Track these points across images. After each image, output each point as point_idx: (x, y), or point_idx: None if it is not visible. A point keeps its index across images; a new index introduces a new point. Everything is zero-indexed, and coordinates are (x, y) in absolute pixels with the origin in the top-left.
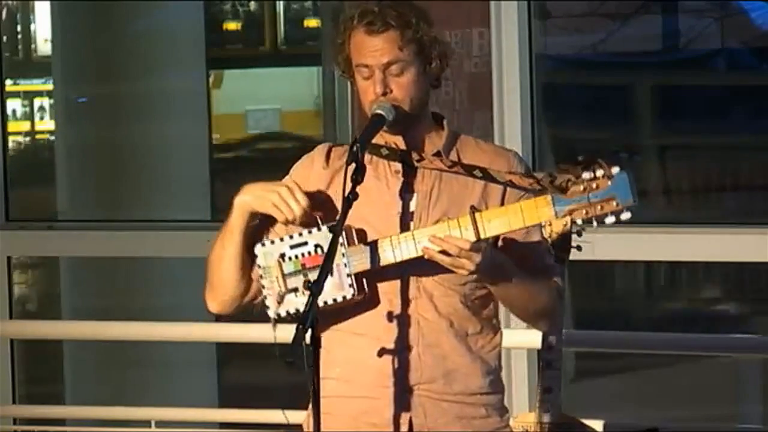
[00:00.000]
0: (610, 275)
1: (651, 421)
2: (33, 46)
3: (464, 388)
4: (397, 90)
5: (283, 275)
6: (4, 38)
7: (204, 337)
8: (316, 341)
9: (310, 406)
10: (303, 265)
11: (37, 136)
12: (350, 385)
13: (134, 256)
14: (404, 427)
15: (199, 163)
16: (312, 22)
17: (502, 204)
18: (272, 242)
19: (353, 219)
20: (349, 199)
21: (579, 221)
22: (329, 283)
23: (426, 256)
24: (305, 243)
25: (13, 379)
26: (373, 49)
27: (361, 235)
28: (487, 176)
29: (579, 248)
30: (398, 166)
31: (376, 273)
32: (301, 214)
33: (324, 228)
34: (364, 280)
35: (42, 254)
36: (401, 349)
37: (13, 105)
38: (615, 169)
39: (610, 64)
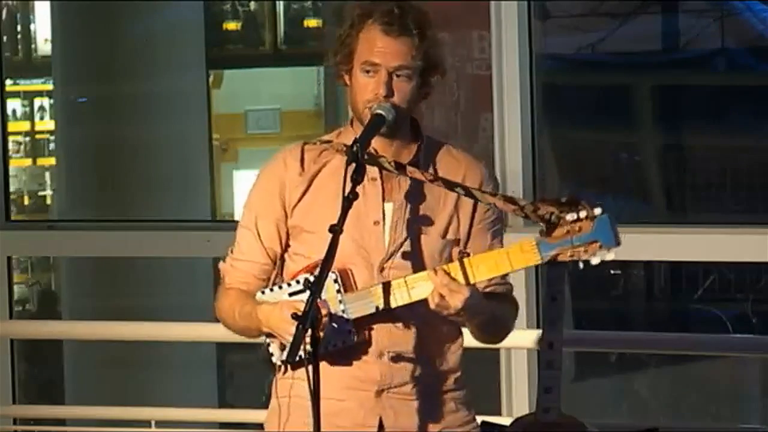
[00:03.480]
0: (610, 275)
1: (651, 421)
2: (33, 46)
3: (432, 388)
4: (398, 95)
5: None
6: (4, 38)
7: (204, 337)
8: (315, 341)
9: (272, 404)
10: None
11: (37, 136)
12: (321, 387)
13: (134, 256)
14: (374, 429)
15: (199, 163)
16: (312, 22)
17: (473, 217)
18: (271, 289)
19: (327, 223)
20: (350, 199)
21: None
22: (330, 329)
23: (431, 300)
24: (302, 290)
25: (13, 379)
26: (387, 49)
27: (344, 275)
28: (469, 194)
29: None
30: (375, 172)
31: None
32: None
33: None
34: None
35: (42, 254)
36: (372, 354)
37: (13, 105)
38: (597, 211)
39: (610, 64)
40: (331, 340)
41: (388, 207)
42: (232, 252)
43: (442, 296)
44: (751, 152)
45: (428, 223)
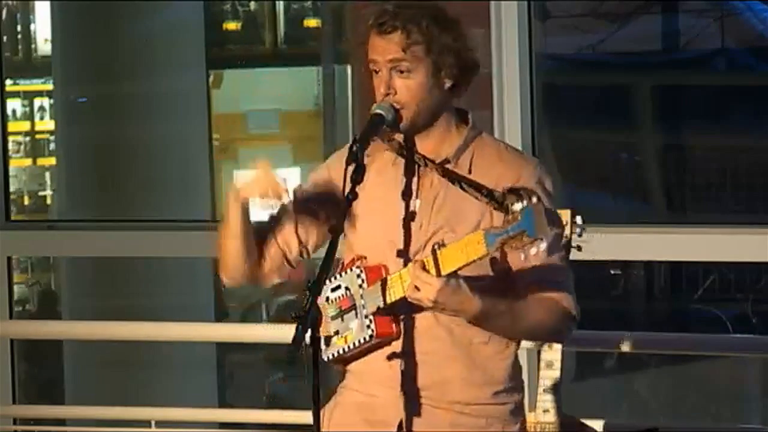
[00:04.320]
0: (610, 275)
1: (651, 421)
2: (33, 46)
3: (460, 397)
4: (403, 92)
5: (329, 319)
6: (4, 38)
7: (204, 337)
8: (315, 341)
9: (327, 404)
10: (340, 307)
11: (37, 136)
12: (358, 380)
13: (134, 256)
14: (393, 429)
15: (199, 163)
16: (312, 22)
17: None
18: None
19: (367, 216)
20: (349, 199)
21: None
22: (355, 325)
23: (408, 294)
24: (339, 286)
25: (13, 379)
26: (381, 46)
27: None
28: (466, 190)
29: (579, 248)
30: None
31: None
32: (280, 189)
33: (352, 270)
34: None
35: (42, 254)
36: (404, 354)
37: (13, 105)
38: (532, 200)
39: (610, 64)
40: (357, 336)
41: (417, 203)
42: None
43: (416, 288)
44: (751, 152)
45: (458, 218)
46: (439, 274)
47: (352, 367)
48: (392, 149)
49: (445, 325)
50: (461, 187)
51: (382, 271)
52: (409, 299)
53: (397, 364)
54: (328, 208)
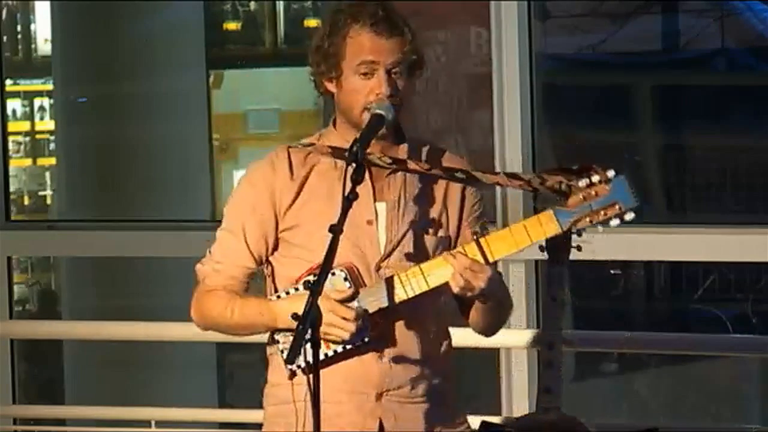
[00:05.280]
0: (610, 275)
1: (651, 421)
2: (33, 46)
3: (432, 392)
4: (400, 93)
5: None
6: (4, 38)
7: (204, 337)
8: (315, 342)
9: (268, 407)
10: None
11: (37, 136)
12: (321, 389)
13: (134, 256)
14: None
15: (199, 163)
16: (312, 22)
17: (461, 212)
18: (287, 293)
19: (321, 225)
20: (350, 199)
21: (584, 229)
22: None
23: (454, 284)
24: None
25: (13, 379)
26: (382, 49)
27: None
28: (470, 177)
29: (579, 248)
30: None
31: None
32: (354, 330)
33: (335, 273)
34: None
35: (42, 254)
36: (374, 356)
37: (13, 105)
38: (611, 173)
39: (610, 64)
40: (358, 336)
41: (381, 206)
42: (211, 254)
43: (465, 279)
44: (751, 152)
45: (423, 220)
46: (487, 262)
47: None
48: (322, 154)
49: (421, 323)
50: (468, 177)
51: (356, 272)
52: (457, 290)
53: (365, 367)
54: (267, 223)
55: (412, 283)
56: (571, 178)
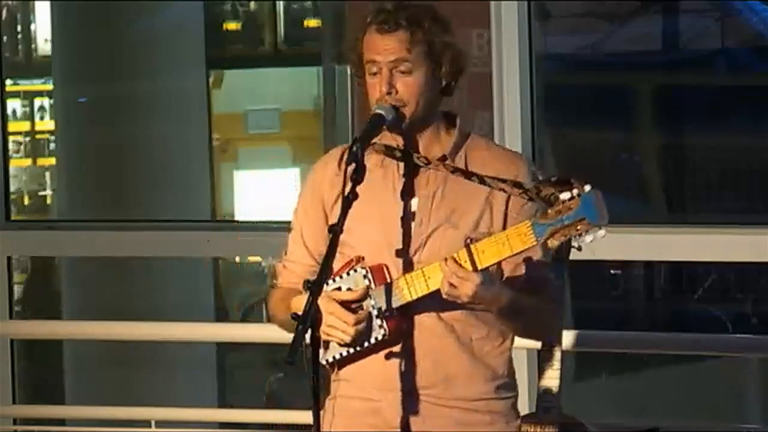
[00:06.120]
0: (610, 275)
1: (651, 421)
2: (33, 46)
3: (465, 393)
4: (404, 90)
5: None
6: (4, 38)
7: (204, 337)
8: (315, 341)
9: (323, 416)
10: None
11: (37, 136)
12: (353, 386)
13: (134, 256)
14: (399, 431)
15: (199, 163)
16: (312, 22)
17: (506, 209)
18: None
19: (361, 219)
20: (349, 199)
21: (558, 243)
22: (363, 326)
23: (442, 290)
24: (340, 288)
25: (13, 379)
26: (383, 47)
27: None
28: (483, 182)
29: (579, 248)
30: (402, 168)
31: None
32: (354, 334)
33: (357, 270)
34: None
35: (42, 254)
36: (404, 354)
37: (13, 105)
38: (586, 188)
39: (610, 64)
40: (364, 337)
41: (415, 202)
42: (285, 254)
43: (452, 285)
44: (751, 152)
45: (457, 217)
46: (475, 269)
47: (344, 374)
48: (376, 151)
49: (447, 323)
50: (482, 182)
51: (384, 270)
52: (445, 296)
53: (396, 365)
54: (319, 220)
55: (416, 285)
56: (562, 190)
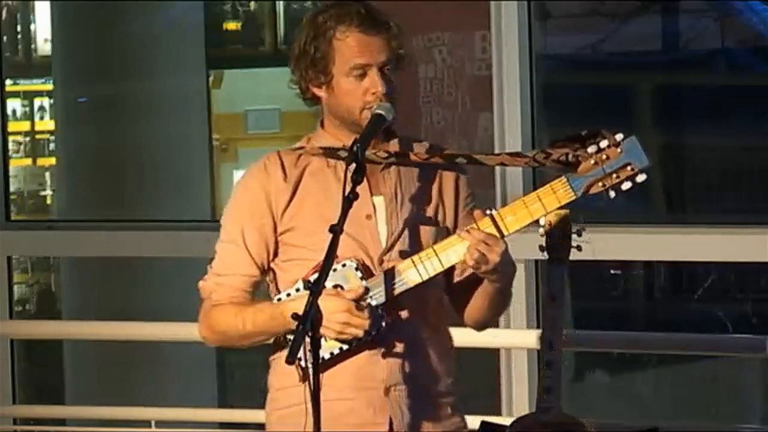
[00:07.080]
0: (610, 275)
1: (651, 421)
2: (33, 46)
3: (436, 388)
4: (392, 90)
5: None
6: (4, 38)
7: None
8: (315, 342)
9: (274, 412)
10: None
11: (37, 136)
12: (328, 388)
13: (134, 256)
14: (384, 428)
15: (199, 163)
16: None
17: (456, 202)
18: (297, 290)
19: (320, 225)
20: (350, 199)
21: (595, 192)
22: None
23: (469, 258)
24: (331, 286)
25: (13, 379)
26: (372, 48)
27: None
28: (472, 161)
29: (579, 248)
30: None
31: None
32: (368, 327)
33: (346, 264)
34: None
35: (42, 254)
36: (379, 350)
37: (13, 105)
38: (619, 136)
39: (610, 64)
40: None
41: (378, 200)
42: (212, 269)
43: (480, 252)
44: (751, 152)
45: (421, 212)
46: (502, 236)
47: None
48: (318, 156)
49: (426, 317)
50: (472, 161)
51: (366, 264)
52: (471, 265)
53: (380, 362)
54: (266, 227)
55: (426, 265)
56: (577, 148)
